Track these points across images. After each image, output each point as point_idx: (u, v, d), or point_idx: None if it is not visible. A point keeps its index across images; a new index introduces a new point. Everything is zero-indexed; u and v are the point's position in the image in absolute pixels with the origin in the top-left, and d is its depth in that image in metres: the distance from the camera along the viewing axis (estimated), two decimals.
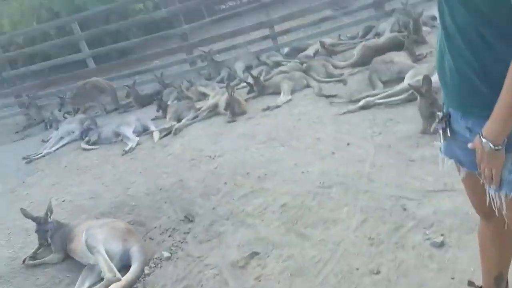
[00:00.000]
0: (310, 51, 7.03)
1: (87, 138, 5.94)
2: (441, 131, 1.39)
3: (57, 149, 6.12)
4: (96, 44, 9.69)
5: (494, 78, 1.17)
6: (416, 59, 5.40)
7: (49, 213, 3.34)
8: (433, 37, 6.25)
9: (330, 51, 6.45)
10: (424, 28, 6.30)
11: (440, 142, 1.44)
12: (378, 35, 7.06)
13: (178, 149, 4.91)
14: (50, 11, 11.53)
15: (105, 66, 9.15)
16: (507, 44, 1.14)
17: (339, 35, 7.74)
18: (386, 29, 6.94)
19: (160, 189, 4.01)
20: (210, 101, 5.93)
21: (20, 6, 11.85)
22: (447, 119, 1.37)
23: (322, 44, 6.49)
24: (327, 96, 5.15)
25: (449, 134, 1.38)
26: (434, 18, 6.92)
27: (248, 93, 6.16)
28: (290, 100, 5.40)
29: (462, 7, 1.17)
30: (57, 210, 3.81)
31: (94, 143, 5.84)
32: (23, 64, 12.42)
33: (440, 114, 1.41)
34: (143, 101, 7.36)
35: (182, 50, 8.62)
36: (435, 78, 4.21)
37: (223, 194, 3.59)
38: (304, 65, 6.31)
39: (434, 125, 1.46)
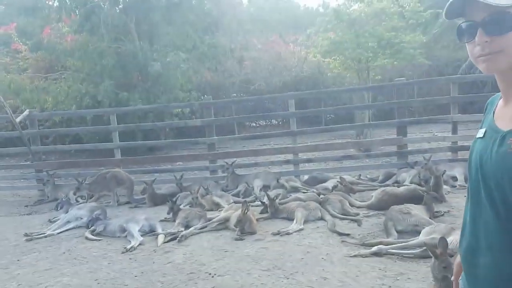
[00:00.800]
0: (329, 184, 7.14)
1: (92, 228, 5.88)
2: None
3: (61, 232, 6.05)
4: (127, 137, 10.16)
5: None
6: (434, 215, 5.38)
7: None
8: (452, 197, 6.30)
9: (348, 189, 6.52)
10: (444, 187, 6.38)
11: None
12: (397, 182, 7.18)
13: (179, 258, 4.77)
14: (94, 98, 12.36)
15: (130, 159, 9.45)
16: None
17: (360, 175, 7.90)
18: (407, 179, 7.08)
19: None
20: (222, 214, 5.91)
21: (68, 88, 12.76)
22: None
23: (342, 180, 6.60)
24: (340, 234, 5.08)
25: None
26: (455, 178, 7.07)
27: (261, 212, 6.16)
28: (301, 229, 5.33)
29: None
30: None
31: (98, 234, 5.76)
32: (53, 141, 13.01)
33: None
34: (157, 200, 7.40)
35: (206, 158, 8.89)
36: (450, 240, 4.16)
37: None
38: (321, 196, 6.37)
39: None
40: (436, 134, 11.00)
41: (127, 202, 7.75)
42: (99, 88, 12.21)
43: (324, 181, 7.51)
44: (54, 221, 6.48)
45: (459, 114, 8.32)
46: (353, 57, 11.48)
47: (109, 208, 7.11)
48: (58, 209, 7.21)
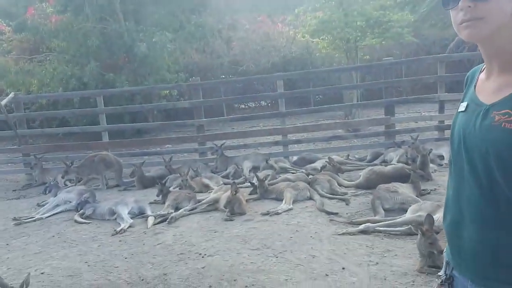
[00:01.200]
0: (317, 164, 7.19)
1: (81, 211, 5.86)
2: None
3: (50, 216, 6.02)
4: (115, 119, 10.05)
5: None
6: (420, 194, 5.47)
7: (24, 286, 3.18)
8: (438, 175, 6.39)
9: (337, 168, 6.58)
10: (431, 165, 6.47)
11: None
12: (385, 162, 7.26)
13: (169, 239, 4.80)
14: (80, 80, 12.16)
15: (118, 141, 9.38)
16: None
17: (348, 155, 7.95)
18: (394, 159, 7.15)
19: (142, 279, 3.85)
20: (212, 196, 5.94)
21: (53, 70, 12.54)
22: (450, 282, 1.31)
23: (331, 160, 6.65)
24: (328, 213, 5.14)
25: None
26: (441, 157, 7.17)
27: (250, 193, 6.20)
28: (290, 209, 5.39)
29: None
30: (33, 282, 3.63)
31: (87, 217, 5.75)
32: (40, 125, 12.83)
33: (442, 275, 1.34)
34: (146, 183, 7.40)
35: (195, 140, 8.86)
36: (437, 217, 4.24)
37: None
38: (310, 177, 6.42)
39: (435, 286, 1.36)
40: (423, 113, 11.07)
41: (116, 185, 7.73)
42: (85, 70, 12.00)
43: (313, 161, 7.56)
44: (43, 205, 6.45)
45: (446, 93, 8.38)
46: (341, 36, 11.39)
47: (98, 191, 7.09)
48: (47, 193, 7.16)
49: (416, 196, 5.31)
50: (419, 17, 14.58)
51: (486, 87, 1.24)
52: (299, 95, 12.57)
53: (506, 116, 1.11)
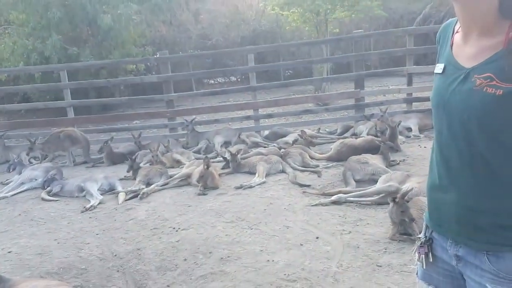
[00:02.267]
0: (289, 138, 7.21)
1: (48, 188, 5.68)
2: (423, 256, 1.34)
3: (15, 194, 5.81)
4: (80, 95, 9.69)
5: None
6: (390, 164, 5.59)
7: None
8: (406, 147, 6.54)
9: (308, 142, 6.62)
10: (400, 137, 6.61)
11: (422, 266, 1.36)
12: (355, 135, 7.36)
13: (141, 214, 4.74)
14: (42, 55, 11.61)
15: (84, 117, 9.08)
16: None
17: (319, 129, 8.01)
18: (364, 131, 7.26)
19: (115, 255, 3.79)
20: (184, 171, 5.88)
21: (13, 44, 11.91)
22: (430, 243, 1.33)
23: (303, 134, 6.67)
24: (301, 185, 5.19)
25: (430, 260, 1.33)
26: (409, 129, 7.33)
27: (223, 168, 6.17)
28: (263, 182, 5.41)
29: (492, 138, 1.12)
30: (1, 261, 3.51)
31: (55, 195, 5.58)
32: (1, 101, 12.25)
33: (422, 237, 1.36)
34: (115, 159, 7.23)
35: (165, 116, 8.69)
36: (406, 186, 4.35)
37: (181, 271, 3.40)
38: (282, 150, 6.44)
39: (415, 249, 1.39)
40: (390, 87, 11.25)
41: (84, 162, 7.53)
42: (46, 44, 11.43)
43: (285, 135, 7.57)
44: (7, 184, 6.21)
45: (414, 66, 8.50)
46: (311, 9, 11.32)
47: (66, 168, 6.89)
48: (10, 170, 6.91)
49: (386, 166, 5.42)
50: None
51: (465, 51, 1.20)
52: (270, 69, 12.49)
53: (488, 80, 1.09)
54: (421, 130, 7.31)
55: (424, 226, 1.39)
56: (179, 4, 15.08)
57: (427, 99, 8.08)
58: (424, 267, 1.35)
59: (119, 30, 11.46)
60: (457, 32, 1.26)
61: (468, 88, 1.13)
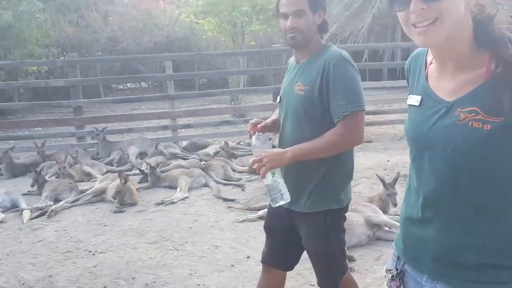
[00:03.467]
0: (210, 150, 7.08)
1: None
2: None
3: None
4: None
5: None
6: None
7: None
8: None
9: (230, 154, 6.56)
10: None
11: None
12: (274, 147, 7.43)
13: (51, 235, 4.26)
14: None
15: None
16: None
17: (240, 141, 7.98)
18: None
19: (23, 284, 3.34)
20: (98, 185, 5.44)
21: None
22: (401, 276, 1.29)
23: (225, 145, 6.59)
24: (225, 200, 5.09)
25: None
26: None
27: (140, 182, 5.85)
28: (186, 197, 5.20)
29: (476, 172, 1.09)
30: None
31: None
32: None
33: (393, 269, 1.31)
34: (16, 171, 6.48)
35: (72, 123, 8.00)
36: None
37: None
38: (203, 163, 6.29)
39: (385, 282, 1.34)
40: None
41: None
42: None
43: (205, 146, 7.42)
44: None
45: None
46: (228, 20, 11.36)
47: None
48: None
49: None
50: None
51: (442, 84, 1.16)
52: (187, 77, 12.24)
53: (473, 114, 1.05)
54: None
55: (394, 257, 1.34)
56: (87, 4, 14.17)
57: None
58: None
59: (20, 28, 10.37)
60: (431, 63, 1.22)
61: (451, 122, 1.09)
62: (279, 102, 2.19)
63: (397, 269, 1.30)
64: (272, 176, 1.94)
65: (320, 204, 2.03)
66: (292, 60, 2.19)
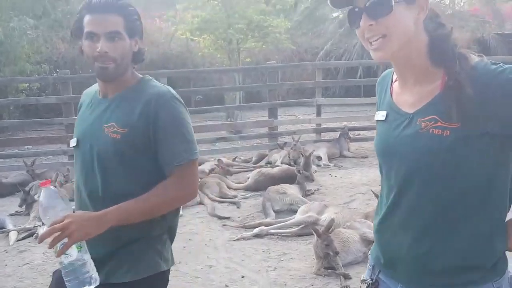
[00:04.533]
0: (205, 167, 6.94)
1: None
2: None
3: None
4: None
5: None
6: (306, 194, 5.64)
7: None
8: (319, 176, 6.66)
9: (225, 171, 6.43)
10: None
11: None
12: (270, 163, 7.36)
13: (38, 258, 4.10)
14: None
15: None
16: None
17: (236, 157, 7.88)
18: (278, 160, 7.30)
19: None
20: None
21: None
22: (376, 286, 1.32)
23: (220, 162, 6.48)
24: (220, 218, 4.97)
25: None
26: (319, 158, 7.56)
27: None
28: (181, 216, 5.05)
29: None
30: None
31: None
32: None
33: (367, 279, 1.33)
34: (4, 191, 6.30)
35: (64, 141, 7.85)
36: (324, 217, 4.38)
37: None
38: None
39: None
40: (298, 116, 11.65)
41: None
42: None
43: (200, 164, 7.28)
44: None
45: (323, 98, 8.89)
46: (224, 37, 11.38)
47: None
48: None
49: (302, 196, 5.45)
50: (293, 25, 15.45)
51: (404, 98, 1.22)
52: (181, 94, 12.15)
53: (433, 122, 1.11)
54: (329, 159, 7.58)
55: (370, 267, 1.36)
56: None
57: (334, 129, 8.52)
58: None
59: (11, 45, 10.30)
60: (395, 81, 1.28)
61: (413, 131, 1.15)
62: (74, 147, 1.68)
63: (371, 279, 1.33)
64: (78, 251, 1.39)
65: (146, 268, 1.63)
66: (92, 92, 1.74)
